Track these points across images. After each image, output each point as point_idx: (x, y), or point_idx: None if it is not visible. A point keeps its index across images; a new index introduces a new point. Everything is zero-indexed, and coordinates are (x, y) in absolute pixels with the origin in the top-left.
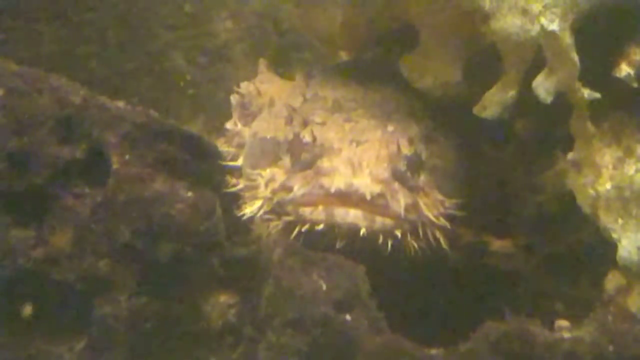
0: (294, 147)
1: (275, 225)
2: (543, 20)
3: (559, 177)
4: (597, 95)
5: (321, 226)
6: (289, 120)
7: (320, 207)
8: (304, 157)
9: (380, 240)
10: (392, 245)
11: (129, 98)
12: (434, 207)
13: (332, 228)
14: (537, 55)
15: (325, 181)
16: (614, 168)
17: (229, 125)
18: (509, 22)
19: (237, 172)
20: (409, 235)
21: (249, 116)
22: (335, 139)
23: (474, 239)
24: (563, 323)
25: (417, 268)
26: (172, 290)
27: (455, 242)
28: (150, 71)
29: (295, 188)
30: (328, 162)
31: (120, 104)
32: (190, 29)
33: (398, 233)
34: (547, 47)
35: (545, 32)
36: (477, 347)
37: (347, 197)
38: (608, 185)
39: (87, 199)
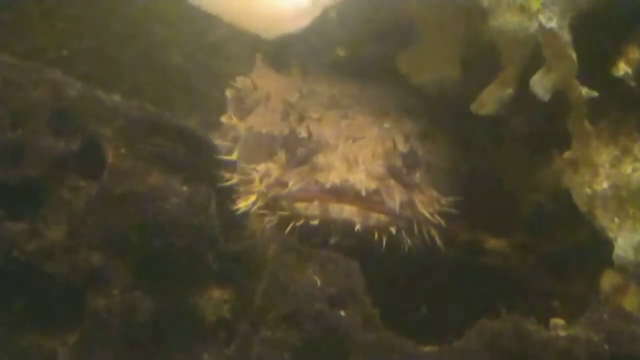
0: (290, 142)
1: (270, 220)
2: (541, 18)
3: (556, 176)
4: (595, 93)
5: (316, 222)
6: (285, 116)
7: (315, 203)
8: (299, 152)
9: (375, 236)
10: (386, 242)
11: (125, 92)
12: (429, 205)
13: (327, 224)
14: (535, 52)
15: (320, 177)
16: (611, 167)
17: (224, 119)
18: (507, 20)
19: (232, 166)
20: (403, 232)
21: (244, 110)
22: (331, 135)
23: (470, 237)
24: (558, 321)
25: (411, 265)
26: (166, 285)
27: (451, 240)
28: (146, 66)
29: (290, 183)
30: (324, 157)
31: (116, 97)
32: (187, 24)
33: (393, 230)
34: (545, 45)
35: (543, 30)
36: (472, 344)
37: (342, 193)
38: (605, 184)
39: (81, 192)
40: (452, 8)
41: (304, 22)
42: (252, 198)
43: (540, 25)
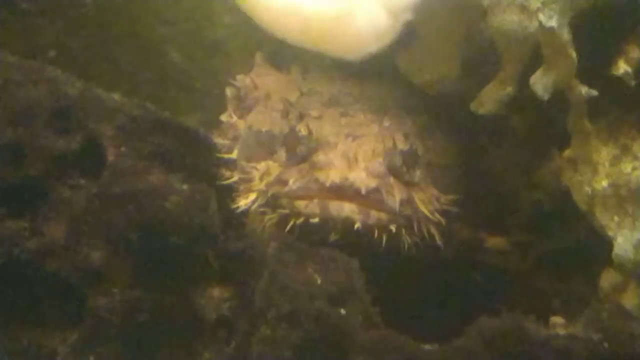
0: (290, 140)
1: (270, 218)
2: (541, 17)
3: (555, 174)
4: (595, 92)
5: (316, 220)
6: (285, 114)
7: (315, 201)
8: (299, 150)
9: (375, 234)
10: (386, 240)
11: (125, 91)
12: (429, 203)
13: (327, 222)
14: (535, 51)
15: (320, 175)
16: (611, 166)
17: (224, 117)
18: (507, 19)
19: (232, 164)
20: (403, 231)
21: (244, 109)
22: (331, 133)
23: (469, 236)
24: (558, 320)
25: (411, 263)
26: (167, 283)
27: (450, 238)
28: (146, 65)
29: (290, 181)
30: (323, 156)
31: (116, 96)
32: (186, 23)
33: (393, 228)
34: (545, 44)
35: (543, 29)
36: (471, 343)
37: (342, 191)
38: (604, 183)
39: (82, 190)
40: (452, 7)
41: (386, 40)
42: (252, 196)
43: (540, 24)
